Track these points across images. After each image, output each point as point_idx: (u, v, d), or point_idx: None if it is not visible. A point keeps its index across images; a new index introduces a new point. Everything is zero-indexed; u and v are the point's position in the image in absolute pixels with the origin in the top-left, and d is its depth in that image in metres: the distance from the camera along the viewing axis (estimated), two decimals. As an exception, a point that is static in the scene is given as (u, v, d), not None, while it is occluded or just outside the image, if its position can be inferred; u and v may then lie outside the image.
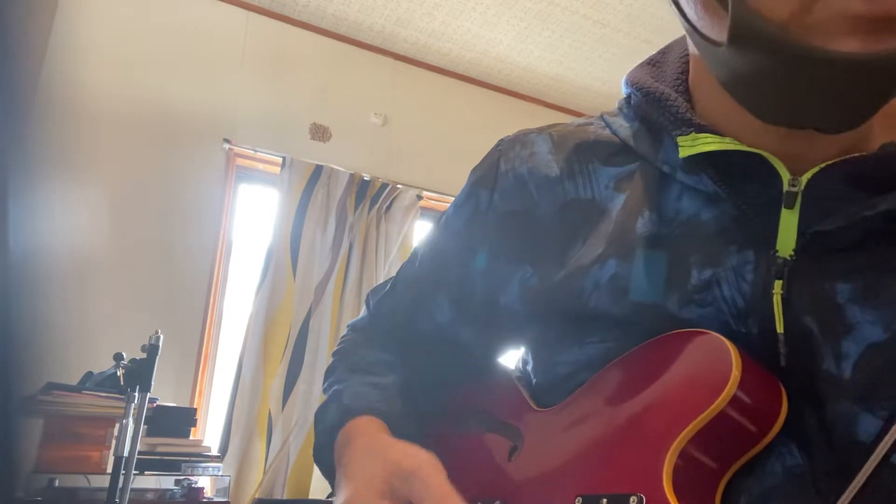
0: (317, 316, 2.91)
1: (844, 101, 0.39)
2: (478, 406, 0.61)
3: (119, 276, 2.64)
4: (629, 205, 0.49)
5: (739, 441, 0.40)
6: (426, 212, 3.37)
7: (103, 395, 2.10)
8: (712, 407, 0.39)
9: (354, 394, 0.60)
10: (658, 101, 0.49)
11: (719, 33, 0.40)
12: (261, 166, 3.11)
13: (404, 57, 3.45)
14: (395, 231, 3.21)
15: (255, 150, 2.99)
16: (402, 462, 0.48)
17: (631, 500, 0.39)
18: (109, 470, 1.85)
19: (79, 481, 2.10)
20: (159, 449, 2.19)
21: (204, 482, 2.32)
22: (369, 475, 0.48)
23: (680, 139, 0.46)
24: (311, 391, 2.82)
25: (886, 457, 0.36)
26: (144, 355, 1.82)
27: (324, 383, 0.67)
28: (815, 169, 0.42)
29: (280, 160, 3.02)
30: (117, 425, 1.89)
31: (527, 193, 0.55)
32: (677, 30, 0.46)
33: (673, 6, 0.46)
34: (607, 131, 0.55)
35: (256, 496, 2.65)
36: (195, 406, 2.69)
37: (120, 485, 1.74)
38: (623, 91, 0.56)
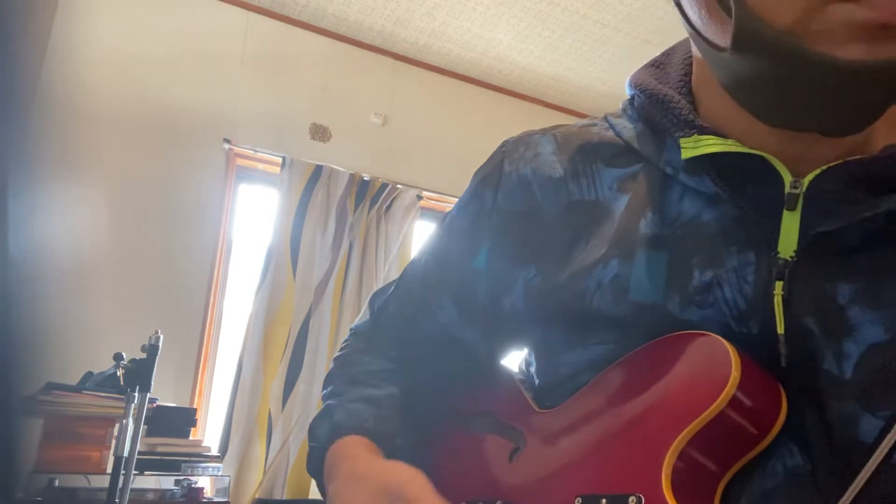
0: (317, 316, 2.91)
1: (848, 106, 0.39)
2: (480, 407, 0.61)
3: (119, 276, 2.64)
4: (632, 206, 0.49)
5: (739, 442, 0.40)
6: (426, 212, 3.37)
7: (103, 395, 2.10)
8: (711, 408, 0.39)
9: (346, 411, 0.61)
10: (661, 103, 0.49)
11: (723, 38, 0.40)
12: (261, 166, 3.11)
13: (404, 57, 3.45)
14: (395, 231, 3.21)
15: (255, 150, 2.99)
16: (388, 483, 0.49)
17: (630, 500, 0.40)
18: (109, 470, 1.85)
19: (79, 481, 2.10)
20: (159, 449, 2.19)
21: (204, 482, 2.32)
22: (359, 499, 0.50)
23: (682, 141, 0.46)
24: (311, 391, 2.82)
25: (887, 457, 0.36)
26: (144, 355, 1.82)
27: (323, 390, 0.67)
28: (817, 171, 0.42)
29: (280, 160, 3.02)
30: (117, 425, 1.89)
31: (531, 194, 0.55)
32: (677, 29, 0.47)
33: (677, 9, 0.46)
34: (611, 132, 0.55)
35: (256, 496, 2.65)
36: (195, 406, 2.69)
37: (120, 485, 1.74)
38: (627, 92, 0.56)
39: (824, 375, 0.40)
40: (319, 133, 3.19)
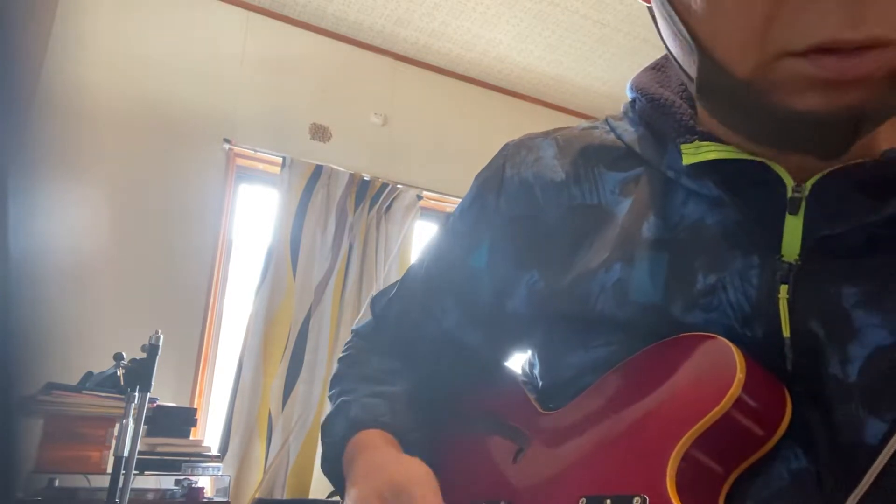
0: (317, 316, 2.91)
1: (815, 144, 0.40)
2: (484, 409, 0.61)
3: (119, 276, 2.64)
4: (634, 209, 0.49)
5: (744, 444, 0.40)
6: (426, 212, 3.37)
7: (103, 395, 2.11)
8: (716, 409, 0.39)
9: (362, 406, 0.61)
10: (662, 108, 0.49)
11: (694, 73, 0.42)
12: (261, 166, 3.11)
13: (404, 57, 3.45)
14: (395, 231, 3.20)
15: (255, 150, 2.99)
16: (394, 478, 0.50)
17: (634, 500, 0.40)
18: (109, 470, 1.85)
19: (79, 481, 2.09)
20: (159, 449, 2.19)
21: (204, 482, 2.32)
22: (366, 492, 0.51)
23: (683, 147, 0.46)
24: (311, 391, 2.82)
25: (892, 460, 0.36)
26: (144, 355, 1.82)
27: (330, 390, 0.67)
28: (819, 175, 0.42)
29: (280, 160, 3.02)
30: (117, 425, 1.89)
31: (532, 198, 0.55)
32: (678, 30, 0.47)
33: (659, 35, 0.47)
34: (612, 136, 0.55)
35: (256, 496, 2.65)
36: (195, 406, 2.69)
37: (120, 485, 1.74)
38: (628, 95, 0.56)
39: (829, 379, 0.40)
40: (319, 133, 3.19)
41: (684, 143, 0.46)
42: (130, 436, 1.78)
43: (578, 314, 0.49)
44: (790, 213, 0.43)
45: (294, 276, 2.93)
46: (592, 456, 0.45)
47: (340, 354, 0.71)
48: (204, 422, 2.78)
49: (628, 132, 0.54)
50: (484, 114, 3.60)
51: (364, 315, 0.72)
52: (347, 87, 3.30)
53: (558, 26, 3.14)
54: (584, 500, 0.43)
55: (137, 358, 1.83)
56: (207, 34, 3.02)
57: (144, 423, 1.86)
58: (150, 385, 1.81)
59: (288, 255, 2.94)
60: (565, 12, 3.03)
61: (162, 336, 1.85)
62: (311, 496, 2.74)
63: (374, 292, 2.94)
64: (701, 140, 0.45)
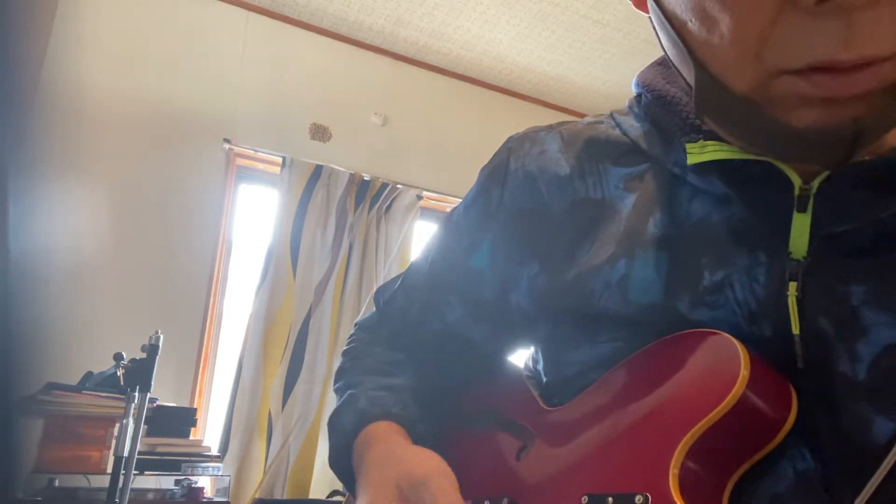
0: (317, 316, 2.91)
1: (816, 156, 0.40)
2: (488, 405, 0.61)
3: (119, 276, 2.64)
4: (639, 205, 0.49)
5: (748, 442, 0.39)
6: (426, 212, 3.37)
7: (103, 395, 2.10)
8: (720, 407, 0.38)
9: (370, 398, 0.60)
10: (668, 105, 0.49)
11: (691, 80, 0.42)
12: (261, 166, 3.11)
13: (404, 57, 3.45)
14: (395, 231, 3.20)
15: (255, 150, 2.99)
16: (413, 470, 0.49)
17: (637, 499, 0.39)
18: (109, 470, 1.85)
19: (79, 481, 2.09)
20: (159, 449, 2.19)
21: (204, 482, 2.31)
22: (383, 482, 0.50)
23: (688, 146, 0.46)
24: (311, 391, 2.82)
25: None
26: (144, 355, 1.82)
27: (335, 384, 0.67)
28: (826, 173, 0.42)
29: (280, 160, 3.01)
30: (117, 425, 1.89)
31: (536, 191, 0.55)
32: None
33: (658, 42, 0.47)
34: (617, 131, 0.55)
35: (256, 496, 2.65)
36: (195, 406, 2.69)
37: (120, 485, 1.74)
38: (633, 90, 0.56)
39: (839, 377, 0.40)
40: (319, 133, 3.19)
41: (689, 141, 0.46)
42: (130, 436, 1.77)
43: (582, 310, 0.49)
44: (798, 211, 0.42)
45: (294, 276, 2.93)
46: (595, 453, 0.45)
47: (344, 348, 0.70)
48: (204, 422, 2.78)
49: (634, 127, 0.53)
50: (484, 114, 3.60)
51: (368, 308, 0.72)
52: (347, 87, 3.30)
53: (558, 26, 3.14)
54: (586, 497, 0.43)
55: (137, 358, 1.83)
56: (207, 34, 3.02)
57: (144, 423, 1.86)
58: (150, 385, 1.81)
59: (288, 255, 2.94)
60: (565, 12, 3.03)
61: (162, 336, 1.85)
62: (311, 496, 2.74)
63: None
64: (706, 139, 0.45)
